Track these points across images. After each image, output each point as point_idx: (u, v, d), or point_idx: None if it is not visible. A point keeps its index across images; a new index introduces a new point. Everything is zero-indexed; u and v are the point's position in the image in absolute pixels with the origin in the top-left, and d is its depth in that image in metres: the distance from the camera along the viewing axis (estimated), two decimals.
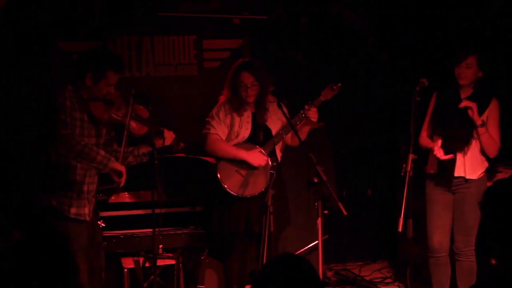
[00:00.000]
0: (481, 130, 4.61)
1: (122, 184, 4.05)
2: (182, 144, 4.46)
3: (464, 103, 4.59)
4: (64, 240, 2.32)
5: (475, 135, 4.65)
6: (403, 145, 5.73)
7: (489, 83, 4.74)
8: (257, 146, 4.75)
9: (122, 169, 4.04)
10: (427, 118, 4.87)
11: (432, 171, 4.76)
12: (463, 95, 4.71)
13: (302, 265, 2.23)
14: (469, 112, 4.59)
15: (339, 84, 4.76)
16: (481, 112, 4.64)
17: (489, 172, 4.82)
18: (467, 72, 4.63)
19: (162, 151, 4.35)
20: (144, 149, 4.30)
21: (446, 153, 4.66)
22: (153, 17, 5.84)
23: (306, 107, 4.72)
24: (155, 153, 4.15)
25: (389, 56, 6.39)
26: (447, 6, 5.89)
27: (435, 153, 4.66)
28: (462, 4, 5.82)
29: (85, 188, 4.11)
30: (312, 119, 4.73)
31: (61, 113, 3.94)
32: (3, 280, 2.14)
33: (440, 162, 4.70)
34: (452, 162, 4.66)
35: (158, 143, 4.28)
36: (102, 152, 4.02)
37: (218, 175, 4.73)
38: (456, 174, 4.67)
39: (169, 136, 4.34)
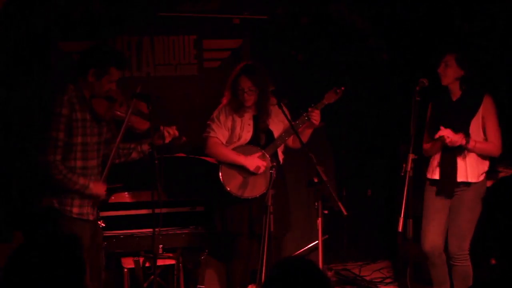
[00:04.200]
0: (470, 146, 4.52)
1: (102, 198, 4.16)
2: (184, 138, 4.46)
3: (438, 133, 4.50)
4: (76, 240, 2.31)
5: (472, 136, 4.56)
6: (403, 145, 5.72)
7: (479, 81, 4.66)
8: (259, 149, 4.75)
9: (101, 193, 4.10)
10: (426, 127, 4.79)
11: (433, 176, 4.70)
12: (454, 98, 4.66)
13: (311, 270, 2.20)
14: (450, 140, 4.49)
15: (343, 88, 4.75)
16: (474, 113, 4.57)
17: (489, 172, 4.79)
18: (446, 71, 4.57)
19: (165, 147, 4.34)
20: (146, 146, 4.31)
21: (445, 159, 4.60)
22: (153, 17, 5.84)
23: (309, 109, 4.71)
24: (155, 153, 4.15)
25: (389, 56, 6.38)
26: (447, 6, 5.89)
27: (443, 133, 4.50)
28: (462, 4, 5.81)
29: None
30: (315, 122, 4.73)
31: (53, 130, 3.92)
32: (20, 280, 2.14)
33: (442, 168, 4.62)
34: (454, 168, 4.59)
35: (158, 141, 4.28)
36: (81, 181, 4.01)
37: (220, 177, 4.73)
38: (459, 180, 4.59)
39: (167, 135, 4.33)
